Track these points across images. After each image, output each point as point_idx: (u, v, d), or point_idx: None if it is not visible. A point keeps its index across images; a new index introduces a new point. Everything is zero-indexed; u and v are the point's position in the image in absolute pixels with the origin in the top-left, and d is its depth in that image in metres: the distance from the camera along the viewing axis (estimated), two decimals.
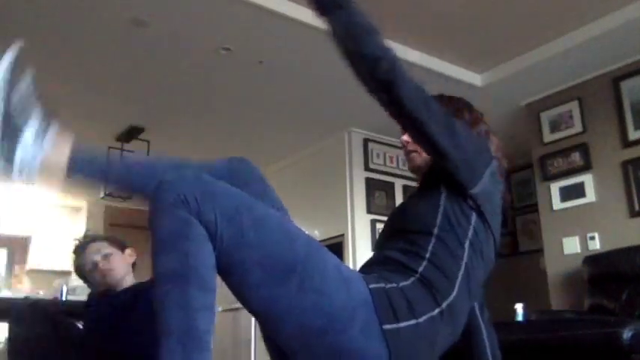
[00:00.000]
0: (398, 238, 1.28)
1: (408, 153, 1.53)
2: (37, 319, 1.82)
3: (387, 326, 1.05)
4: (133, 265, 2.26)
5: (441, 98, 1.44)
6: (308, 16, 3.20)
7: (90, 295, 2.26)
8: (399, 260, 1.20)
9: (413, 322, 1.08)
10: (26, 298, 3.82)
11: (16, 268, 6.62)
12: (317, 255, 1.08)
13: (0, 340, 4.66)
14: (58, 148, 1.36)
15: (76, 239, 2.22)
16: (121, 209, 6.29)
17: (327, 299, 1.03)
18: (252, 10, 3.03)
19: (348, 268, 1.14)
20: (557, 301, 3.77)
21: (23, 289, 6.23)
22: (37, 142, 1.29)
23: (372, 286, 1.09)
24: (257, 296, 1.03)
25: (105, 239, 2.21)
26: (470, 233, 1.26)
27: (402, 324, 1.07)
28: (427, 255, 1.20)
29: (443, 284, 1.16)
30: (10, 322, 1.98)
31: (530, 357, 2.08)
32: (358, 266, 1.32)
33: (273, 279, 1.02)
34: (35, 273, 6.54)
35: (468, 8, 3.21)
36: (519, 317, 2.89)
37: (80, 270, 2.15)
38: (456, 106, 1.45)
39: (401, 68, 1.16)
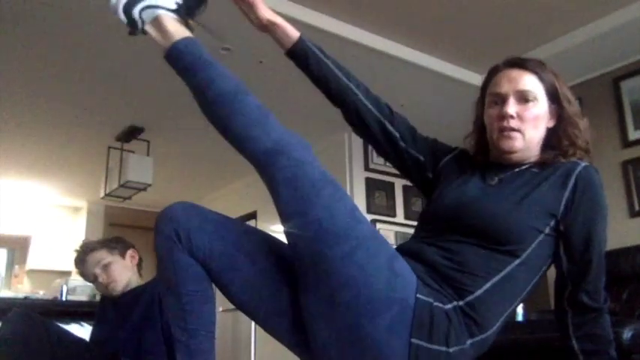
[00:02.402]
0: (468, 239, 1.16)
1: (510, 130, 1.25)
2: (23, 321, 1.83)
3: (416, 340, 1.03)
4: (139, 264, 2.25)
5: None
6: (308, 16, 3.21)
7: (101, 297, 2.31)
8: (456, 278, 1.12)
9: (444, 349, 1.05)
10: (26, 298, 3.82)
11: (16, 268, 6.62)
12: (374, 241, 1.09)
13: None
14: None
15: (75, 249, 2.21)
16: (121, 209, 6.28)
17: (366, 278, 1.03)
18: None
19: (408, 268, 1.10)
20: None
21: (23, 289, 6.23)
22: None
23: (419, 295, 1.06)
24: (307, 248, 1.07)
25: (104, 246, 2.19)
26: (544, 268, 1.21)
27: (433, 346, 1.04)
28: (493, 280, 1.13)
29: (487, 321, 1.12)
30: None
31: (530, 357, 2.08)
32: None
33: (327, 238, 1.05)
34: (35, 273, 6.54)
35: (468, 8, 3.21)
36: (519, 317, 2.89)
37: (84, 278, 2.20)
38: None
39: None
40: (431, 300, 1.07)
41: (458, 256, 1.14)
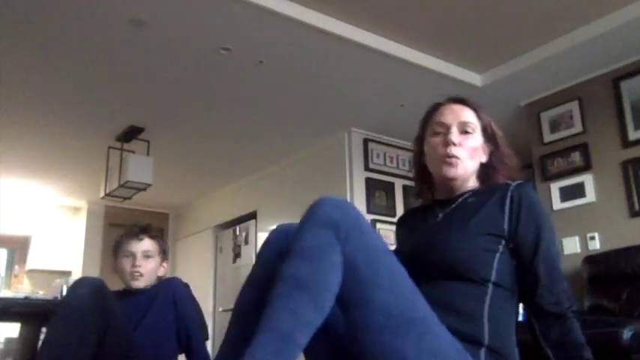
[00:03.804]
0: (442, 285, 1.22)
1: (450, 157, 1.35)
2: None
3: None
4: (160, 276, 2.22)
5: None
6: (308, 16, 3.21)
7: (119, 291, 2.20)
8: (463, 330, 1.15)
9: None
10: (26, 298, 3.81)
11: (16, 268, 6.62)
12: (433, 318, 1.09)
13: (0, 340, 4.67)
14: None
15: (140, 225, 2.18)
16: (121, 209, 6.29)
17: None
18: (252, 10, 3.03)
19: (457, 341, 1.12)
20: None
21: (23, 289, 6.23)
22: None
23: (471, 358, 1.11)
24: (377, 339, 1.04)
25: (159, 244, 2.19)
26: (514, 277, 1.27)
27: None
28: (485, 314, 1.20)
29: (508, 349, 1.22)
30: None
31: (530, 357, 2.08)
32: None
33: (396, 328, 1.04)
34: (35, 273, 6.54)
35: (468, 8, 3.21)
36: (519, 317, 2.89)
37: (121, 247, 2.13)
38: None
39: None
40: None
41: (447, 300, 1.19)
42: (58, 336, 1.69)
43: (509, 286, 1.24)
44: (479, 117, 1.41)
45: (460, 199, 1.36)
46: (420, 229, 1.39)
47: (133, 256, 2.09)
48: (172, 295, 2.08)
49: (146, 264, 2.10)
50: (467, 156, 1.35)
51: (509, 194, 1.27)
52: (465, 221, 1.27)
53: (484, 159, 1.41)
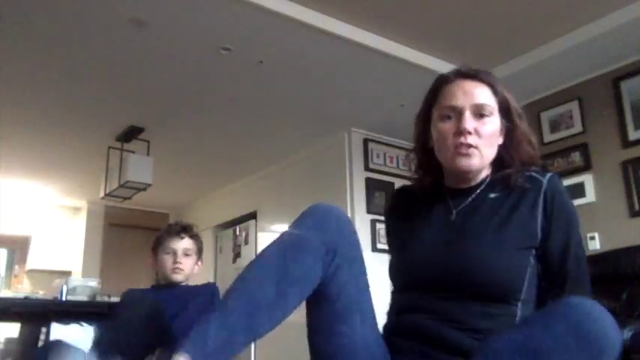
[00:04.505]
0: (464, 305, 1.06)
1: (465, 146, 1.14)
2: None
3: None
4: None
5: None
6: (308, 16, 3.21)
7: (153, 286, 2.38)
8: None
9: None
10: (26, 298, 3.81)
11: (16, 268, 6.62)
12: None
13: (0, 341, 4.67)
14: None
15: (183, 223, 2.32)
16: (121, 209, 6.29)
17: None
18: (252, 10, 3.02)
19: None
20: None
21: (23, 289, 6.23)
22: None
23: None
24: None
25: (197, 244, 2.32)
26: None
27: None
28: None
29: None
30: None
31: None
32: None
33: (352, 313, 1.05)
34: (35, 273, 6.54)
35: (468, 8, 3.21)
36: None
37: (163, 243, 2.25)
38: None
39: None
40: None
41: (470, 321, 1.05)
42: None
43: (533, 299, 1.12)
44: (495, 93, 1.19)
45: (477, 192, 1.18)
46: (432, 226, 1.18)
47: (174, 253, 2.23)
48: (212, 297, 2.21)
49: (186, 261, 2.24)
50: (484, 144, 1.14)
51: (542, 194, 1.12)
52: (494, 230, 1.10)
53: (501, 140, 1.20)
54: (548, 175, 1.16)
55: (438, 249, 1.13)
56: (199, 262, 2.35)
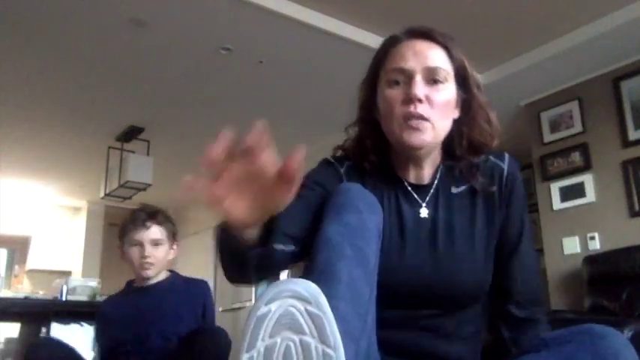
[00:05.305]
0: (448, 315, 0.99)
1: (414, 118, 0.96)
2: None
3: None
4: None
5: None
6: (308, 16, 3.21)
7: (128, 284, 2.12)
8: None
9: None
10: (26, 298, 3.82)
11: (16, 268, 6.62)
12: None
13: (0, 341, 4.67)
14: None
15: (145, 209, 2.00)
16: (121, 209, 6.27)
17: None
18: (252, 10, 3.02)
19: None
20: (557, 301, 3.76)
21: (23, 289, 6.23)
22: None
23: None
24: None
25: (167, 227, 2.01)
26: None
27: None
28: (479, 338, 1.03)
29: None
30: None
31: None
32: None
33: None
34: (35, 273, 6.54)
35: (468, 8, 3.21)
36: None
37: (128, 236, 1.97)
38: None
39: None
40: None
41: (454, 331, 0.99)
42: None
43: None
44: (451, 57, 1.04)
45: (436, 183, 1.04)
46: (405, 223, 1.01)
47: (141, 245, 1.94)
48: (203, 298, 2.03)
49: (155, 252, 1.95)
50: (438, 116, 0.98)
51: (503, 179, 1.03)
52: (470, 235, 1.00)
53: (456, 114, 1.04)
54: (507, 158, 1.05)
55: (422, 259, 0.99)
56: (174, 246, 2.04)
